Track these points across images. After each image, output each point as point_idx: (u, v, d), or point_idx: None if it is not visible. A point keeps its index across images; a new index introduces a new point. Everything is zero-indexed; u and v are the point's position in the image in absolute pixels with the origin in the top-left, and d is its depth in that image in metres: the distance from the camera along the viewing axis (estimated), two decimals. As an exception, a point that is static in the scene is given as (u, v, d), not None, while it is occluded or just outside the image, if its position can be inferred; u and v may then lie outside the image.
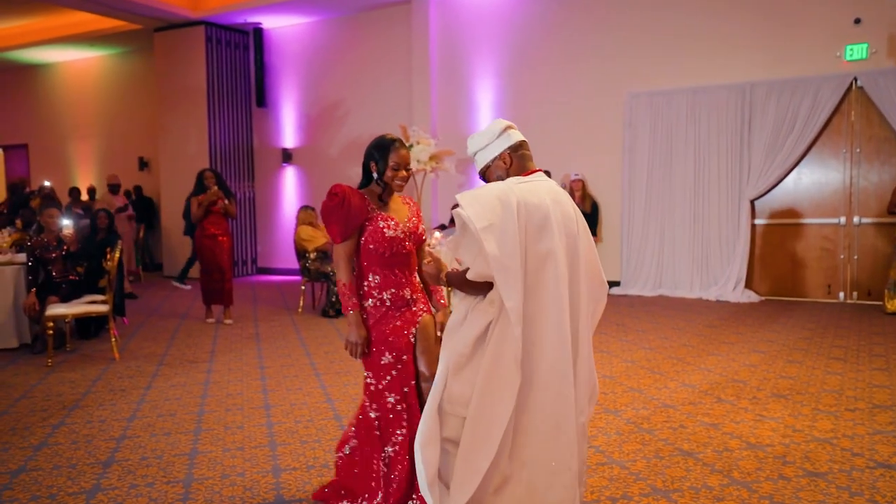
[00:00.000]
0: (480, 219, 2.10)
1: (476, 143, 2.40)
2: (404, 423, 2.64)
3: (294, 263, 11.42)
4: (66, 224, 6.32)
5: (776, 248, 8.56)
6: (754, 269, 8.62)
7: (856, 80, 7.93)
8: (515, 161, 2.35)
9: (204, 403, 4.45)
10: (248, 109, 12.27)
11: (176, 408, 4.36)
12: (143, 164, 13.55)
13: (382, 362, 2.66)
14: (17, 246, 6.79)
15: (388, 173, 2.69)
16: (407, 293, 2.72)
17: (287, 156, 11.98)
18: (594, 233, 9.06)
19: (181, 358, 5.77)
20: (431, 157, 8.18)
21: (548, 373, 2.15)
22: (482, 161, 2.40)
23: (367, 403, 2.70)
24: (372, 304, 2.68)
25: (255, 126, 12.33)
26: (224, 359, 5.71)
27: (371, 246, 2.65)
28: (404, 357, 2.66)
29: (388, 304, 2.68)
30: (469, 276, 2.19)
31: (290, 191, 12.10)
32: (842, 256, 8.20)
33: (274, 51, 12.02)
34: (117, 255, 5.85)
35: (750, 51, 8.40)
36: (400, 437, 2.65)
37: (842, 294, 8.20)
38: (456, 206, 2.21)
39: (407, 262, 2.73)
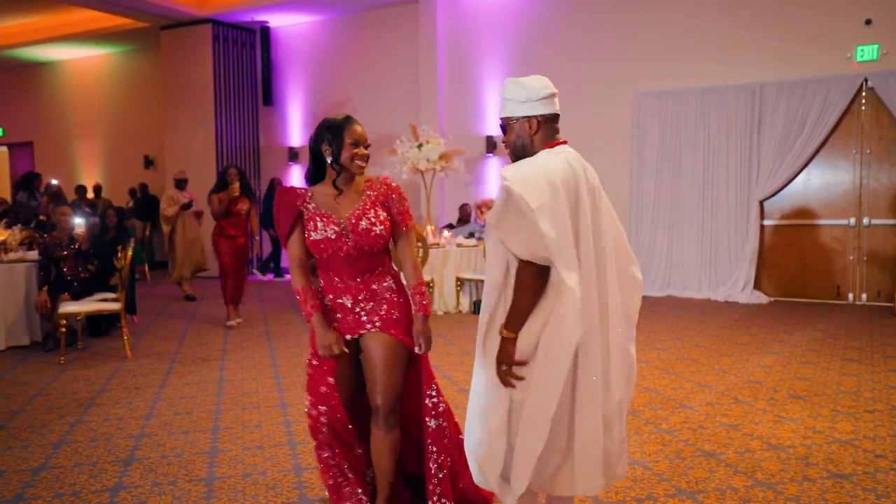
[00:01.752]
0: (533, 199, 1.98)
1: (513, 93, 2.20)
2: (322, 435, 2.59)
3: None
4: (79, 222, 6.31)
5: (785, 249, 8.55)
6: (763, 271, 8.61)
7: (866, 80, 7.92)
8: (543, 130, 2.20)
9: (220, 402, 4.44)
10: (255, 108, 12.26)
11: (192, 406, 4.35)
12: (148, 163, 13.54)
13: (314, 362, 2.57)
14: (27, 244, 6.78)
15: (345, 153, 2.45)
16: (347, 301, 2.49)
17: (293, 154, 11.97)
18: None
19: (193, 356, 5.76)
20: (441, 157, 8.18)
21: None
22: (510, 112, 2.22)
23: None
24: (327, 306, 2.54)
25: (261, 124, 12.32)
26: (236, 357, 5.70)
27: (307, 249, 2.51)
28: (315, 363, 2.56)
29: (330, 309, 2.54)
30: (519, 254, 2.04)
31: (296, 189, 12.08)
32: (851, 258, 8.19)
33: (280, 49, 12.01)
34: (130, 253, 5.84)
35: (759, 51, 8.39)
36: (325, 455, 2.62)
37: (851, 295, 8.19)
38: (502, 181, 2.07)
39: (350, 265, 2.48)
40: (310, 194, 2.53)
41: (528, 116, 2.18)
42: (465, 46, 10.36)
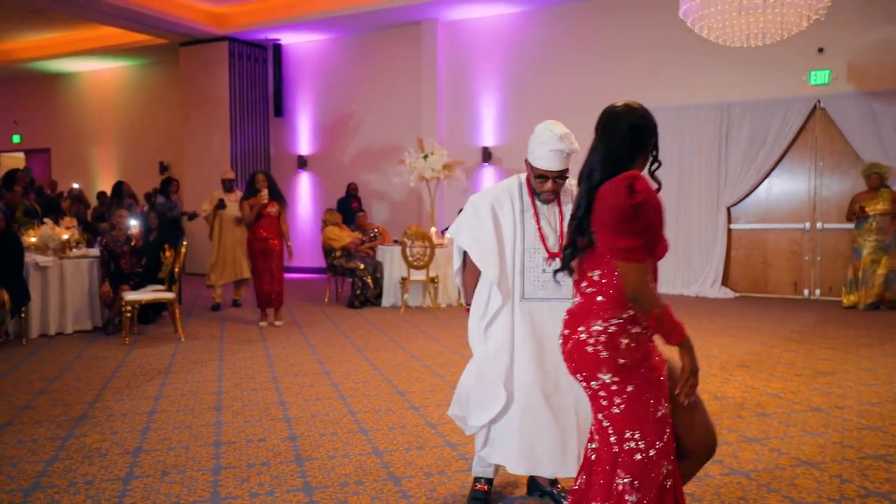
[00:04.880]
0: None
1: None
2: None
3: (310, 262, 12.38)
4: (134, 224, 7.24)
5: (749, 250, 9.62)
6: (730, 269, 9.68)
7: (819, 101, 9.01)
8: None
9: (274, 370, 5.39)
10: (267, 118, 13.21)
11: (252, 373, 5.31)
12: (163, 168, 14.42)
13: (658, 415, 2.01)
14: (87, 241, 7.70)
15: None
16: None
17: (302, 162, 12.93)
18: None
19: (238, 339, 6.71)
20: (444, 166, 9.16)
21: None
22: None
23: (624, 480, 2.01)
24: (638, 332, 2.03)
25: (272, 134, 13.27)
26: (275, 341, 6.64)
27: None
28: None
29: (646, 331, 2.05)
30: None
31: (304, 195, 13.04)
32: (807, 258, 9.27)
33: (291, 65, 12.97)
34: (183, 250, 6.78)
35: (727, 74, 9.45)
36: None
37: (806, 291, 9.27)
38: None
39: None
40: None
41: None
42: (463, 64, 11.37)
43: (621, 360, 2.00)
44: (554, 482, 3.06)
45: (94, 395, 4.73)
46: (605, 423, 2.05)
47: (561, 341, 2.17)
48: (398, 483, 3.23)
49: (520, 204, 2.84)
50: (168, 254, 7.04)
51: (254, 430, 3.98)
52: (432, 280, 8.63)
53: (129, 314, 6.49)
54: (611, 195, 1.97)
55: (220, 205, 8.48)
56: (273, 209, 7.30)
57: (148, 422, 4.15)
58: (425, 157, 9.13)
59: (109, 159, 15.28)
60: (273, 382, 5.03)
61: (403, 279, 8.54)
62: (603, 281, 2.05)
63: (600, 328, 2.02)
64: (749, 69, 9.33)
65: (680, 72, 9.76)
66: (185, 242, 7.03)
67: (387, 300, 8.87)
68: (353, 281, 8.88)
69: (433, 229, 9.34)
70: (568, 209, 2.81)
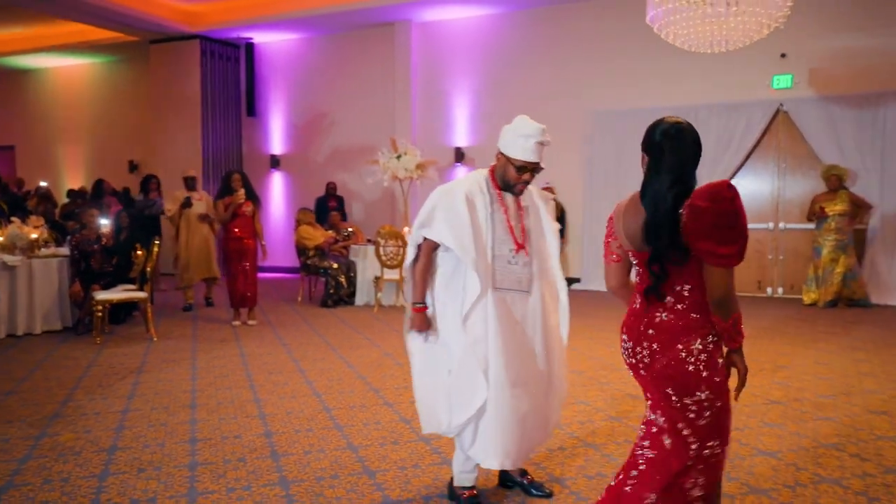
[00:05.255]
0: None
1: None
2: None
3: (283, 261, 12.36)
4: (105, 223, 7.20)
5: (715, 250, 9.84)
6: (697, 268, 9.89)
7: (782, 105, 9.28)
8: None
9: (248, 368, 5.42)
10: (239, 118, 13.16)
11: (227, 372, 5.33)
12: (132, 167, 14.26)
13: (730, 420, 2.16)
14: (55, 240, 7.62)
15: None
16: None
17: (275, 162, 12.90)
18: (561, 235, 10.26)
19: (211, 338, 6.71)
20: (418, 166, 9.24)
21: None
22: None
23: (699, 481, 2.13)
24: (711, 340, 2.10)
25: (244, 134, 13.22)
26: (249, 340, 6.66)
27: None
28: None
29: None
30: None
31: (277, 194, 13.02)
32: (770, 257, 9.53)
33: (264, 64, 12.94)
34: (155, 249, 6.76)
35: (695, 79, 9.67)
36: None
37: (769, 289, 9.54)
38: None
39: None
40: None
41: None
42: (436, 65, 11.46)
43: (717, 379, 2.08)
44: (524, 472, 3.16)
45: (65, 394, 4.72)
46: (686, 432, 2.09)
47: (645, 355, 2.14)
48: (373, 476, 3.30)
49: (488, 196, 2.93)
50: (140, 253, 7.02)
51: (229, 426, 4.02)
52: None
53: (99, 314, 6.46)
54: (714, 203, 1.98)
55: (186, 203, 8.38)
56: (248, 209, 7.32)
57: (122, 420, 4.16)
58: (399, 157, 9.20)
59: (77, 157, 15.07)
60: (247, 380, 5.07)
61: (377, 278, 8.60)
62: (695, 296, 2.09)
63: (700, 347, 2.07)
64: (715, 73, 9.56)
65: (648, 75, 9.96)
66: (157, 241, 7.01)
67: (360, 299, 8.93)
68: (326, 280, 8.92)
69: (406, 229, 9.41)
70: (526, 203, 2.98)
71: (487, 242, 2.88)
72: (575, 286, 10.37)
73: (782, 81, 9.32)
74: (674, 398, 2.10)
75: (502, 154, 2.88)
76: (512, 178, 2.89)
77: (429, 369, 2.96)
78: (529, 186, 2.99)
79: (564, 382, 3.08)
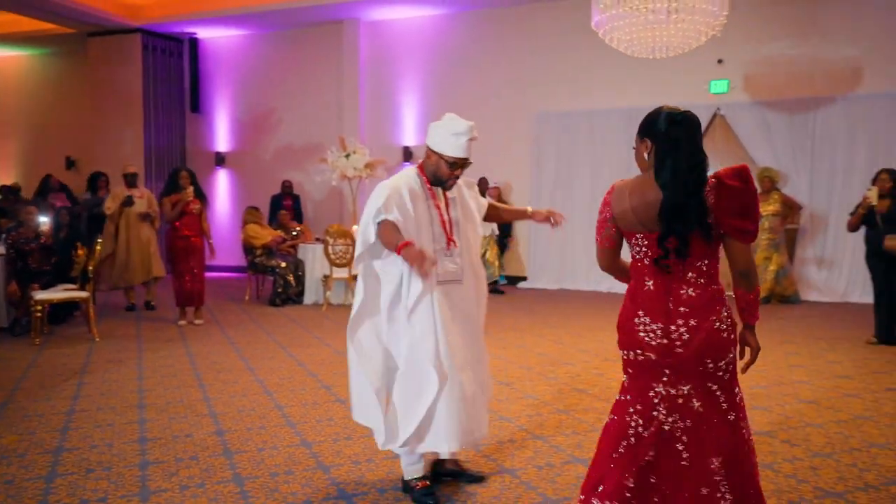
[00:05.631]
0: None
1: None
2: None
3: (228, 260, 12.18)
4: (44, 220, 6.98)
5: (656, 248, 10.16)
6: (639, 266, 10.20)
7: (719, 109, 9.65)
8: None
9: (196, 368, 5.36)
10: (183, 114, 12.89)
11: (174, 371, 5.26)
12: (70, 164, 13.80)
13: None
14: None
15: None
16: None
17: (220, 159, 12.70)
18: (509, 234, 10.45)
19: (156, 338, 6.59)
20: (366, 165, 9.24)
21: None
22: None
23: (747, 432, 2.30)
24: (727, 306, 2.31)
25: (188, 130, 12.97)
26: (196, 339, 6.57)
27: None
28: None
29: None
30: None
31: (222, 192, 12.81)
32: (708, 255, 9.88)
33: (209, 59, 12.72)
34: (98, 248, 6.60)
35: (636, 82, 9.97)
36: None
37: (708, 286, 9.89)
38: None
39: None
40: None
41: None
42: (384, 64, 11.48)
43: (733, 336, 2.29)
44: (456, 461, 3.25)
45: (4, 396, 4.59)
46: (731, 417, 2.24)
47: (683, 332, 2.22)
48: (328, 471, 3.34)
49: (423, 192, 3.03)
50: (81, 252, 6.84)
51: (179, 426, 3.99)
52: (355, 278, 8.67)
53: (38, 314, 6.28)
54: (744, 182, 2.16)
55: (128, 202, 8.11)
56: (196, 207, 7.22)
57: (67, 421, 4.08)
58: (347, 155, 9.18)
59: (10, 153, 14.48)
60: (196, 380, 5.01)
61: (326, 277, 8.58)
62: (711, 269, 2.25)
63: (726, 314, 2.25)
64: (655, 78, 9.86)
65: (593, 78, 10.21)
66: (99, 240, 6.85)
67: (309, 298, 8.89)
68: (274, 279, 8.85)
69: (355, 228, 9.41)
70: (453, 195, 3.10)
71: (429, 237, 2.97)
72: (522, 284, 10.57)
73: (719, 86, 9.69)
74: (710, 366, 2.22)
75: (434, 151, 2.99)
76: (445, 174, 3.00)
77: (365, 370, 2.99)
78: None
79: (488, 366, 3.23)
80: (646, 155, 2.29)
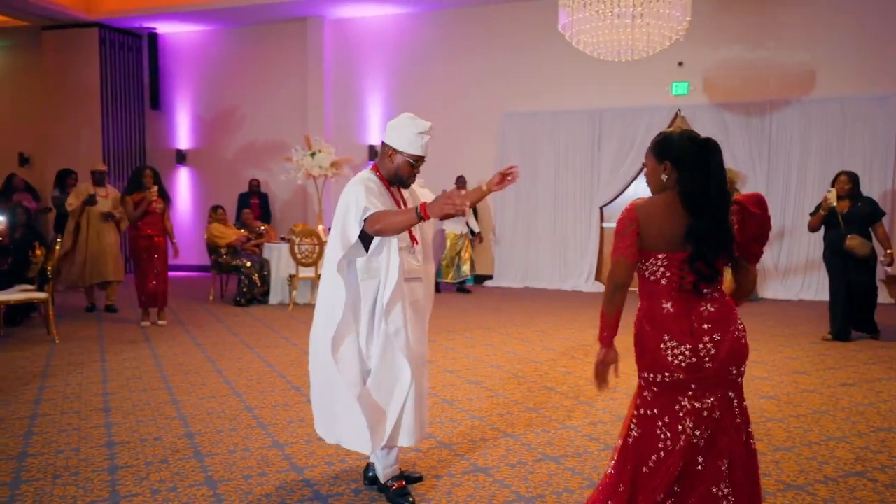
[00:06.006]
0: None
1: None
2: None
3: (191, 259, 11.99)
4: (0, 220, 6.78)
5: (619, 247, 10.34)
6: (603, 264, 10.37)
7: (679, 111, 9.86)
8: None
9: (162, 370, 5.28)
10: (142, 111, 12.63)
11: (139, 374, 5.17)
12: (23, 160, 13.40)
13: None
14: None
15: None
16: None
17: (181, 157, 12.49)
18: (473, 234, 10.50)
19: (119, 339, 6.47)
20: (332, 164, 9.20)
21: None
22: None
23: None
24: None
25: (148, 127, 12.71)
26: (160, 340, 6.47)
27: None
28: None
29: None
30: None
31: (184, 190, 12.60)
32: (669, 254, 10.09)
33: (169, 55, 12.48)
34: (57, 248, 6.44)
35: (600, 83, 10.11)
36: None
37: (669, 284, 10.10)
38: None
39: None
40: None
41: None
42: (349, 62, 11.43)
43: (747, 342, 2.40)
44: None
45: (-37, 401, 4.47)
46: (739, 421, 2.34)
47: (710, 349, 2.26)
48: (301, 473, 3.34)
49: (384, 192, 3.05)
50: (39, 252, 6.67)
51: (147, 429, 3.93)
52: (321, 277, 8.64)
53: (-4, 316, 6.10)
54: (764, 210, 2.35)
55: (90, 200, 7.88)
56: (159, 206, 7.14)
57: (30, 426, 3.98)
58: (312, 154, 9.12)
59: (-41, 149, 13.99)
60: (163, 382, 4.94)
61: (291, 276, 8.52)
62: (721, 285, 2.36)
63: (741, 322, 2.36)
64: (619, 79, 10.02)
65: (558, 79, 10.33)
66: (59, 239, 6.69)
67: (274, 297, 8.81)
68: (239, 279, 8.75)
69: (321, 227, 9.35)
70: (407, 194, 3.13)
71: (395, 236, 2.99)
72: (488, 283, 10.64)
73: (680, 88, 9.90)
74: (733, 373, 2.32)
75: (396, 150, 3.00)
76: (406, 173, 3.04)
77: (346, 378, 2.94)
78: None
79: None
80: (663, 177, 2.33)
